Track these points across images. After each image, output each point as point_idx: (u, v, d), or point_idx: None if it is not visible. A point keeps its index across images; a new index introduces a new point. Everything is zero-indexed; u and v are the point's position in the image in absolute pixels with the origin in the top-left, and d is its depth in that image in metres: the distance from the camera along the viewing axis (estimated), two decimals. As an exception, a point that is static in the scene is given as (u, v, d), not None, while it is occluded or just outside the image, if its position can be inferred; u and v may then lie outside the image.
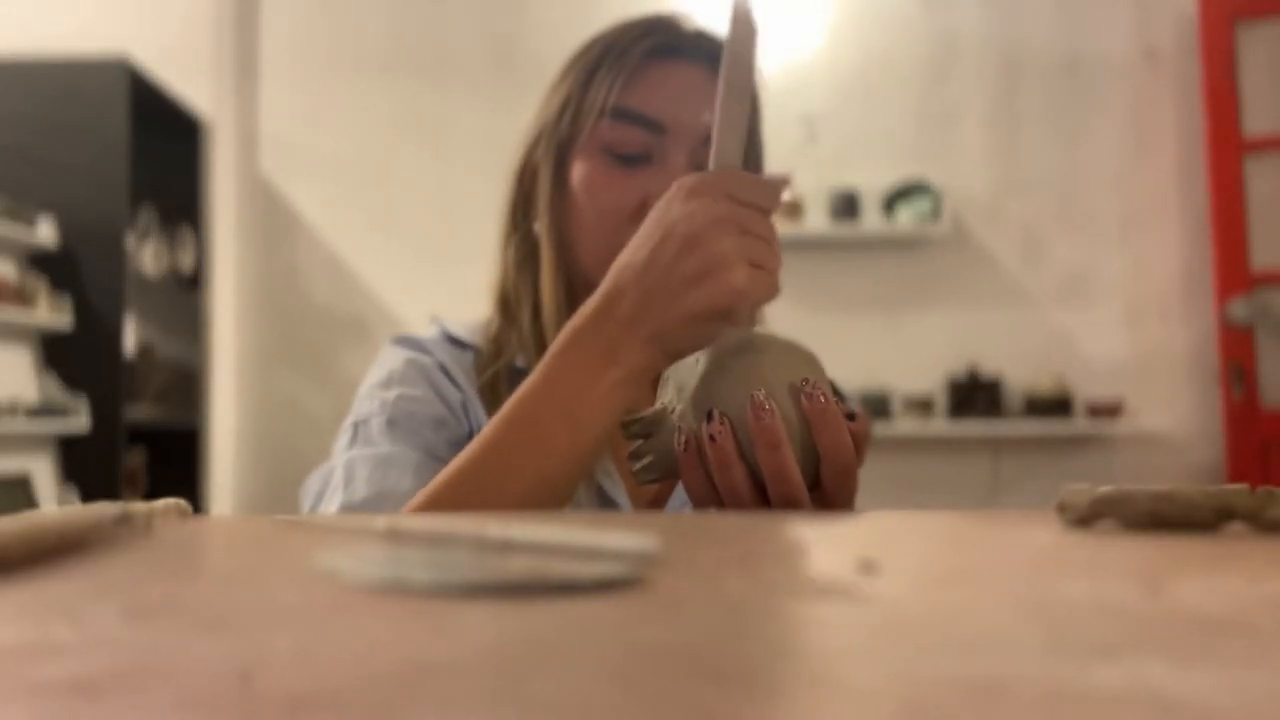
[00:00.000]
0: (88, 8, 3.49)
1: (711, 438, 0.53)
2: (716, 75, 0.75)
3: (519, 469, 0.57)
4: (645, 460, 0.57)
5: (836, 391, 0.58)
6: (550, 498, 0.57)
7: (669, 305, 0.56)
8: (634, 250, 0.59)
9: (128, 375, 3.15)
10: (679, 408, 0.55)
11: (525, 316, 0.79)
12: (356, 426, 0.74)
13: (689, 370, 0.56)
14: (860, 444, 0.56)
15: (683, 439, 0.54)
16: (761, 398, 0.52)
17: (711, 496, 0.55)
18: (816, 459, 0.54)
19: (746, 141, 0.77)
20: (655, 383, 0.61)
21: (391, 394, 0.75)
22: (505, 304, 0.81)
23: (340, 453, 0.73)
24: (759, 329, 0.63)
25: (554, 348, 0.59)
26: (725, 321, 0.56)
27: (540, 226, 0.79)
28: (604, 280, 0.59)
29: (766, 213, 0.58)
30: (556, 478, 0.58)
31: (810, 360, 0.57)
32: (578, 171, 0.77)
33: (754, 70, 0.60)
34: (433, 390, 0.76)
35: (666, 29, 0.78)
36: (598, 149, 0.76)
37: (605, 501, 0.74)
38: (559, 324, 0.75)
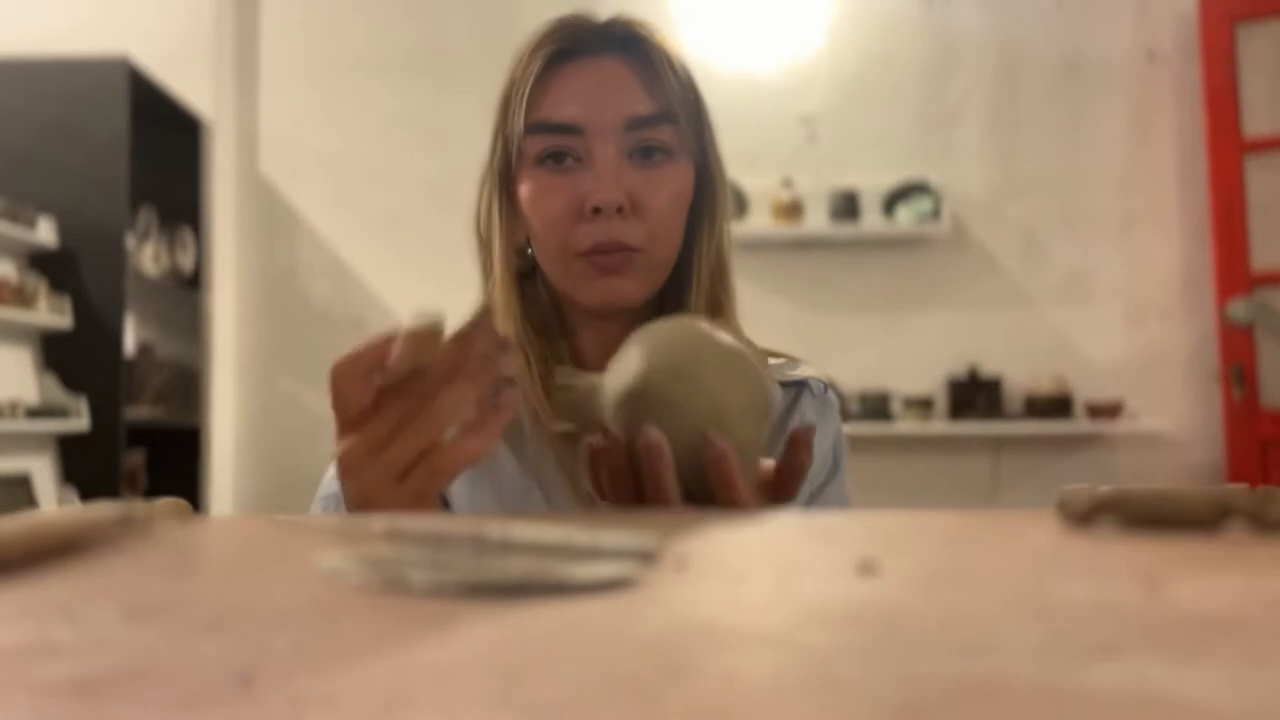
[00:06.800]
0: (88, 8, 3.49)
1: (647, 455, 0.51)
2: (628, 62, 0.77)
3: None
4: (566, 427, 0.57)
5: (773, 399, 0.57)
6: None
7: (387, 493, 0.52)
8: (338, 445, 0.54)
9: (128, 375, 3.15)
10: (611, 405, 0.54)
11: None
12: (324, 502, 0.74)
13: (627, 368, 0.54)
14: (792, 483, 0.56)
15: (600, 439, 0.53)
16: (720, 446, 0.51)
17: (610, 498, 0.54)
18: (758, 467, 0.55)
19: (706, 167, 0.78)
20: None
21: None
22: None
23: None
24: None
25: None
26: (448, 482, 0.53)
27: (495, 258, 0.80)
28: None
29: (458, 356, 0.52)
30: None
31: (746, 376, 0.54)
32: (522, 194, 0.78)
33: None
34: None
35: (566, 32, 0.78)
36: (531, 166, 0.78)
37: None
38: (519, 344, 0.77)
